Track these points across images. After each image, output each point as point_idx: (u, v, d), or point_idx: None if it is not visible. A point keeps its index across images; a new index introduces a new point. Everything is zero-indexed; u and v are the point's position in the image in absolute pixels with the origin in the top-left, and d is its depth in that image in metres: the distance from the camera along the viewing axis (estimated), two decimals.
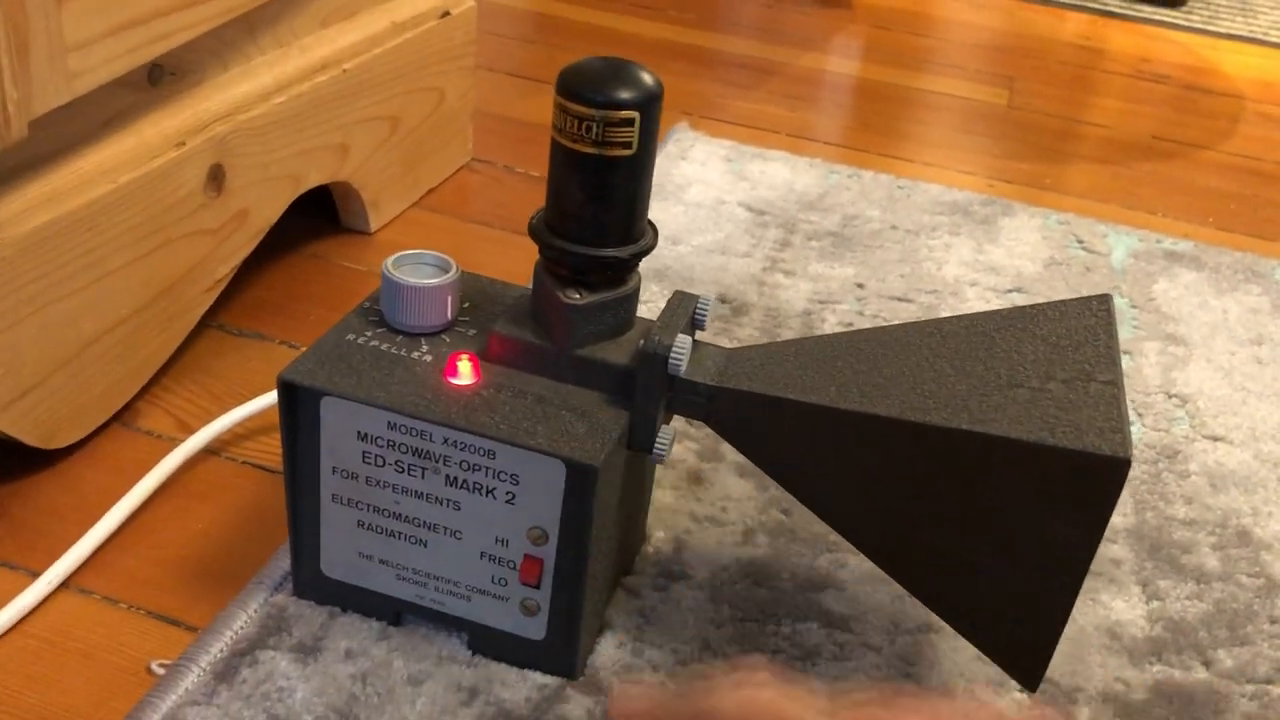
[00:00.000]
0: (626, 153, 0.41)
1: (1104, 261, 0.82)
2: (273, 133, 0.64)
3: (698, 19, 1.27)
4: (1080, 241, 0.85)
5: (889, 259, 0.80)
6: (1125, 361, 0.71)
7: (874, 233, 0.83)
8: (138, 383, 0.58)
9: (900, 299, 0.75)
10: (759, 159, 0.92)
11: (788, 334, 0.70)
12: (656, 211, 0.82)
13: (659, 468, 0.58)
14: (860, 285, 0.76)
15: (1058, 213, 0.89)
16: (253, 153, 0.62)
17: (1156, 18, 1.43)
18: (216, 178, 0.60)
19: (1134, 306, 0.77)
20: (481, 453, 0.42)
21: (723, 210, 0.84)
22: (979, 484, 0.38)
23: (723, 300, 0.73)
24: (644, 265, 0.75)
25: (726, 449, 0.60)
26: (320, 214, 0.77)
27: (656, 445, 0.44)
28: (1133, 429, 0.65)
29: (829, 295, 0.75)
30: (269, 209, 0.65)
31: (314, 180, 0.69)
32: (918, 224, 0.85)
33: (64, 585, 0.49)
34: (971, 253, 0.81)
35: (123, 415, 0.58)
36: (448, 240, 0.78)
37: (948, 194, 0.90)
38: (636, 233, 0.43)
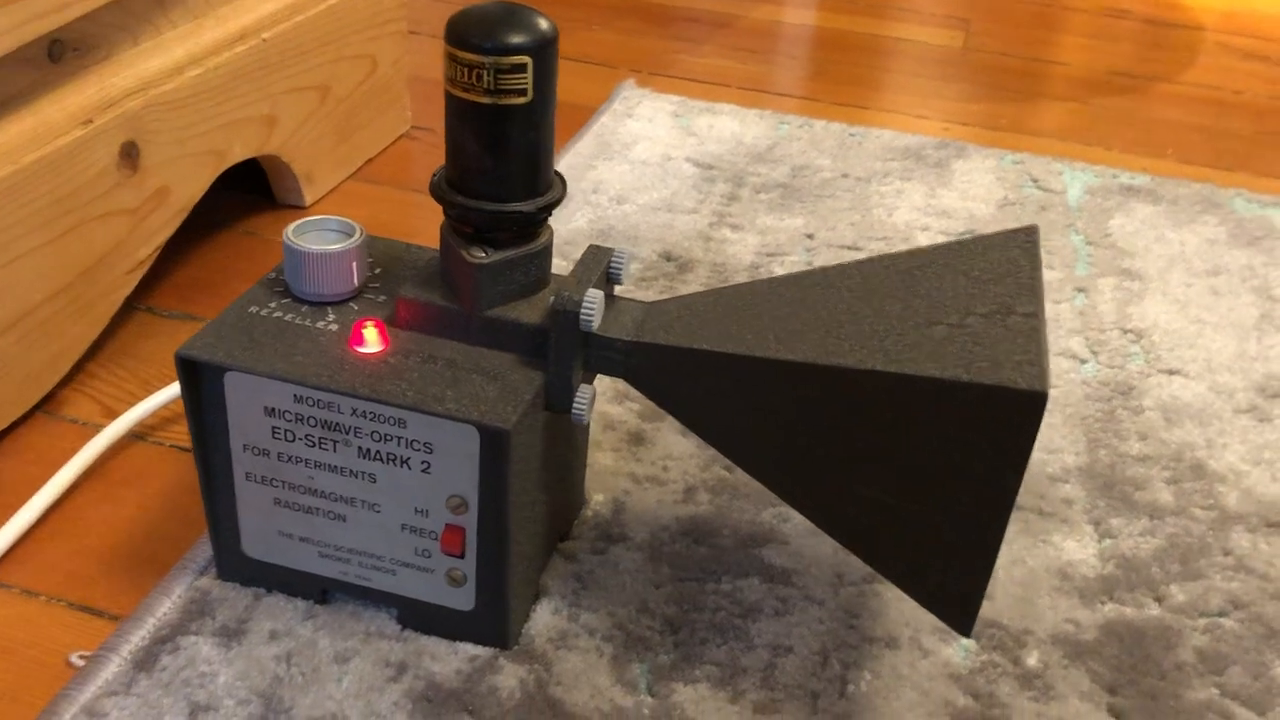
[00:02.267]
0: (522, 100, 0.39)
1: (1059, 200, 0.81)
2: (189, 107, 0.62)
3: None
4: (1035, 180, 0.83)
5: (839, 208, 0.78)
6: (1079, 299, 0.70)
7: (824, 182, 0.81)
8: (59, 370, 0.57)
9: (850, 247, 0.73)
10: (707, 113, 0.90)
11: None
12: (602, 171, 0.80)
13: (597, 429, 0.57)
14: (809, 236, 0.74)
15: (1012, 153, 0.87)
16: (169, 128, 0.60)
17: None
18: (130, 155, 0.58)
19: (1090, 243, 0.76)
20: (392, 422, 0.41)
21: (669, 167, 0.82)
22: (898, 426, 0.37)
23: (668, 258, 0.71)
24: (587, 226, 0.73)
25: None
26: (254, 190, 0.75)
27: (575, 405, 0.42)
28: (1086, 367, 0.64)
29: (777, 248, 0.73)
30: (191, 186, 0.63)
31: (239, 154, 0.67)
32: (869, 171, 0.83)
33: None
34: (923, 198, 0.80)
35: (46, 404, 0.57)
36: (388, 211, 0.76)
37: (900, 139, 0.88)
38: (542, 185, 0.42)
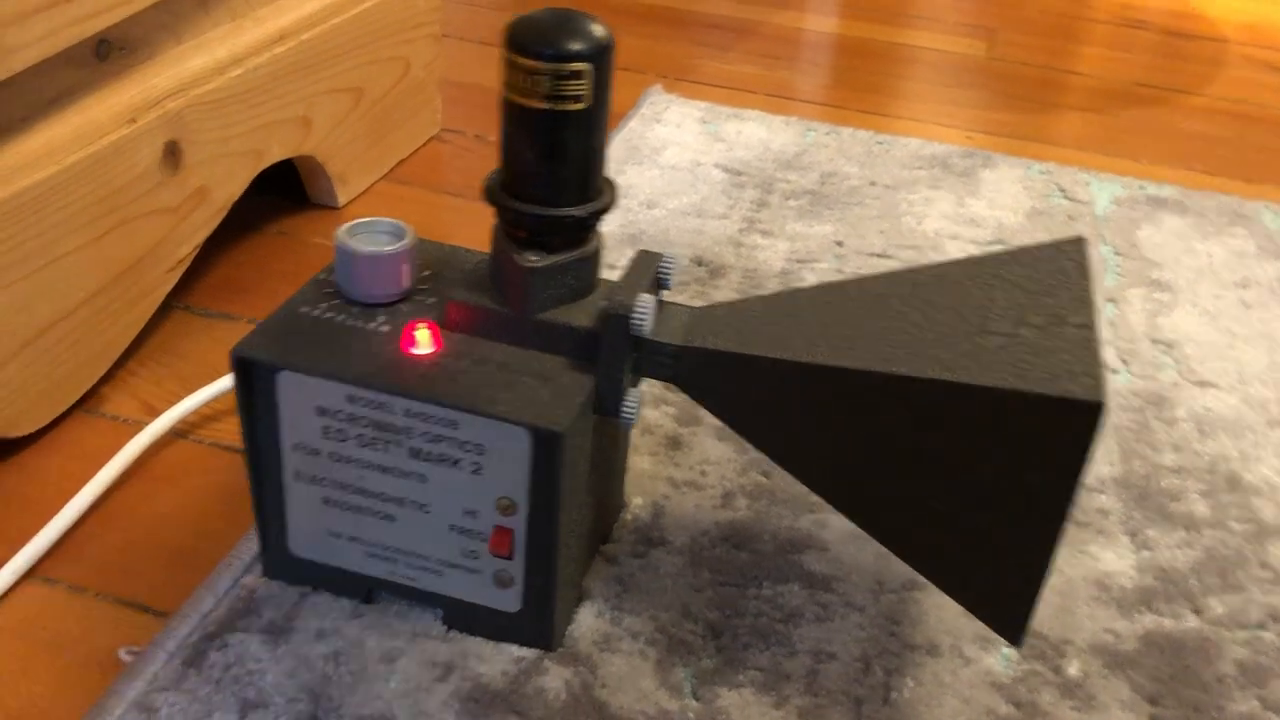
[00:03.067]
0: (579, 106, 0.39)
1: (1087, 210, 0.81)
2: (230, 107, 0.62)
3: None
4: (1062, 190, 0.83)
5: (868, 215, 0.78)
6: (1110, 309, 0.70)
7: (852, 189, 0.81)
8: (101, 367, 0.57)
9: (880, 255, 0.74)
10: (735, 119, 0.90)
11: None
12: (632, 175, 0.81)
13: (635, 433, 0.57)
14: (839, 243, 0.75)
15: (1039, 163, 0.87)
16: (210, 128, 0.61)
17: None
18: (172, 155, 0.58)
19: (1118, 254, 0.76)
20: (444, 423, 0.41)
21: (699, 172, 0.82)
22: (952, 434, 0.37)
23: (699, 263, 0.71)
24: (619, 230, 0.74)
25: (705, 413, 0.59)
26: (287, 190, 0.76)
27: (624, 409, 0.43)
28: (1118, 377, 0.64)
29: (808, 254, 0.73)
30: (230, 185, 0.64)
31: (276, 155, 0.67)
32: (897, 179, 0.83)
33: (28, 575, 0.48)
34: (952, 206, 0.80)
35: (87, 401, 0.57)
36: (419, 212, 0.77)
37: (927, 148, 0.88)
38: (593, 190, 0.42)
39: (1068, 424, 0.34)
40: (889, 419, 0.38)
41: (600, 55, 0.39)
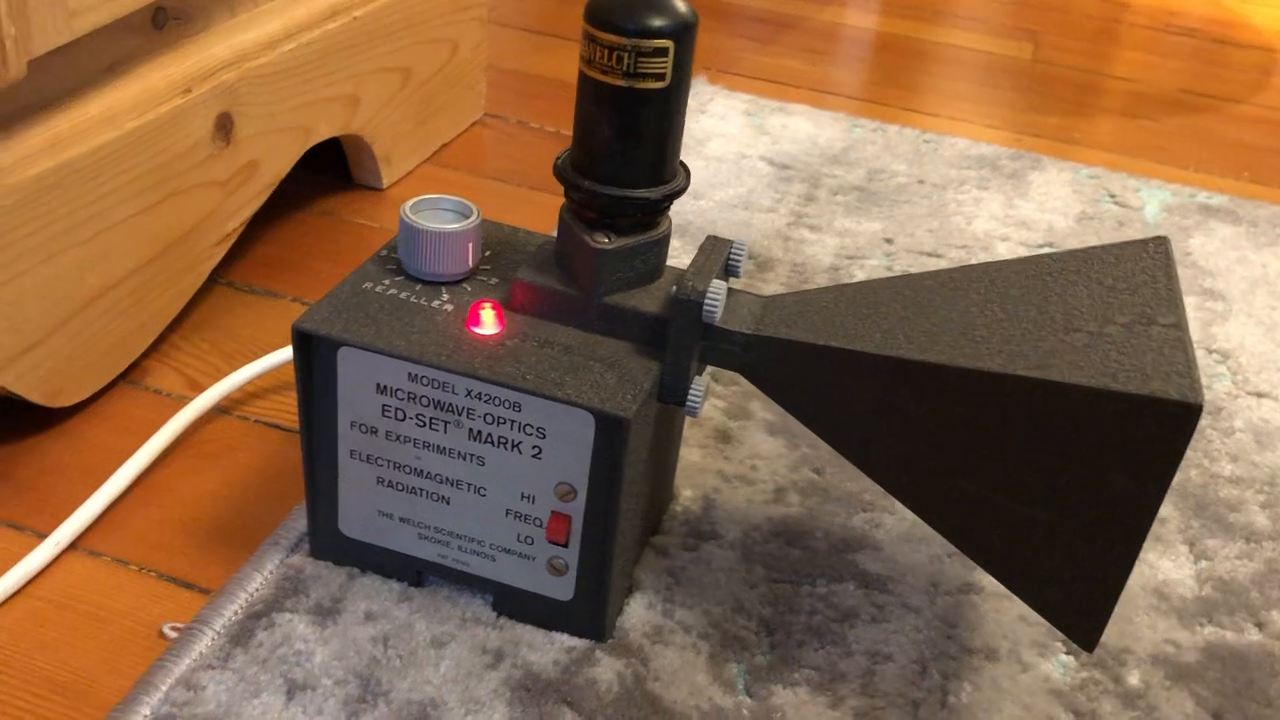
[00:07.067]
0: (659, 85, 0.38)
1: (1137, 216, 0.80)
2: (282, 81, 0.61)
3: None
4: (1112, 196, 0.82)
5: (917, 213, 0.77)
6: None
7: (900, 187, 0.80)
8: (146, 339, 0.56)
9: (930, 254, 0.73)
10: (780, 113, 0.89)
11: None
12: None
13: (686, 425, 0.56)
14: (888, 240, 0.74)
15: (1088, 167, 0.86)
16: (262, 102, 0.60)
17: None
18: (224, 127, 0.58)
19: None
20: (507, 405, 0.40)
21: (744, 164, 0.81)
22: (1036, 434, 0.36)
23: (748, 256, 0.70)
24: None
25: (755, 406, 0.58)
26: (332, 170, 0.75)
27: (690, 398, 0.42)
28: None
29: (856, 250, 0.72)
30: (279, 161, 0.63)
31: (324, 132, 0.67)
32: (945, 178, 0.82)
33: (72, 547, 0.47)
34: (1001, 207, 0.79)
35: (131, 374, 0.56)
36: (462, 196, 0.76)
37: (974, 148, 0.87)
38: (669, 173, 0.41)
39: (1162, 426, 0.33)
40: (970, 416, 0.37)
41: (684, 33, 0.38)
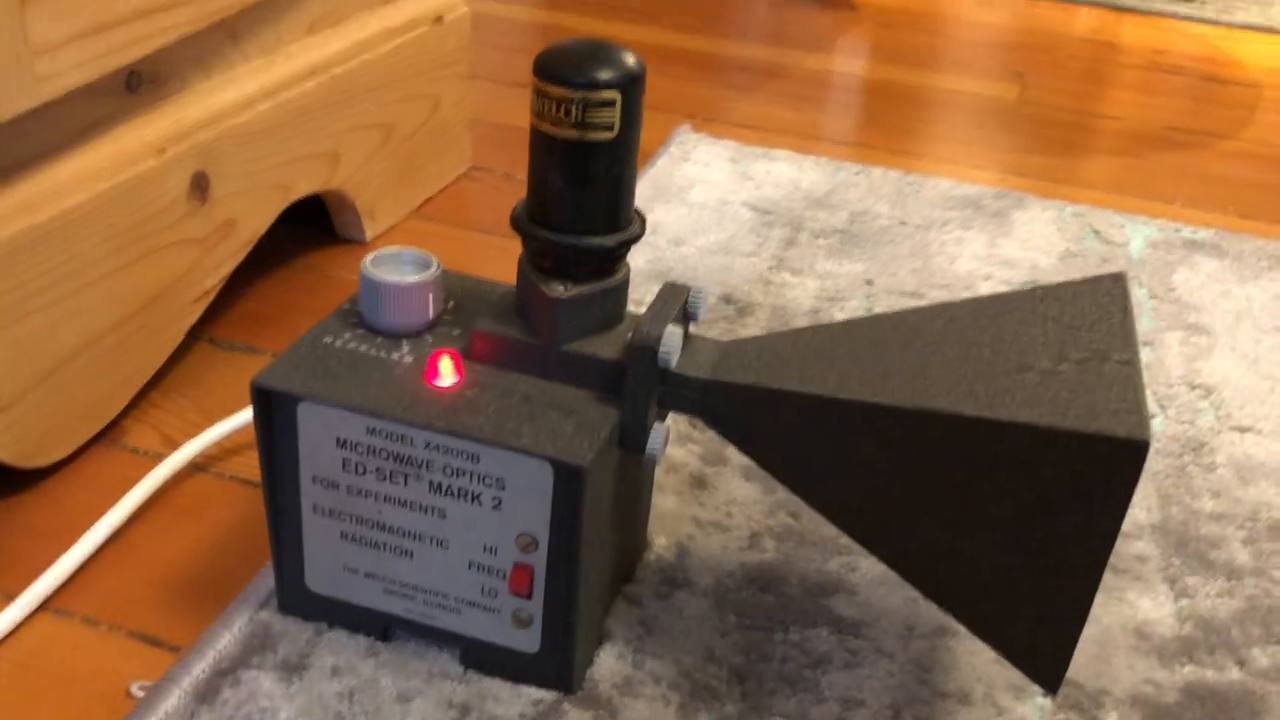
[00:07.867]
0: (608, 135, 0.39)
1: (1121, 252, 0.80)
2: (259, 141, 0.62)
3: (699, 24, 1.25)
4: (1097, 233, 0.82)
5: (899, 254, 0.77)
6: (1146, 353, 0.69)
7: (883, 229, 0.81)
8: (124, 398, 0.57)
9: (912, 294, 0.73)
10: (764, 159, 0.90)
11: None
12: (660, 214, 0.80)
13: (660, 472, 0.56)
14: (869, 282, 0.74)
15: (1072, 204, 0.86)
16: (238, 161, 0.61)
17: (1170, 9, 1.41)
18: (200, 186, 0.58)
19: (1154, 297, 0.75)
20: (465, 456, 0.40)
21: (726, 210, 0.82)
22: (988, 473, 0.36)
23: (728, 300, 0.71)
24: (646, 266, 0.73)
25: (731, 452, 0.58)
26: (315, 225, 0.76)
27: (649, 444, 0.42)
28: (1156, 421, 0.62)
29: (837, 293, 0.72)
30: (257, 219, 0.64)
31: (304, 189, 0.67)
32: (928, 219, 0.82)
33: (42, 607, 0.47)
34: (984, 247, 0.79)
35: (109, 432, 0.57)
36: (446, 248, 0.76)
37: (959, 188, 0.87)
38: (623, 220, 0.41)
39: (1110, 463, 0.33)
40: (923, 457, 0.37)
41: (630, 84, 0.39)
